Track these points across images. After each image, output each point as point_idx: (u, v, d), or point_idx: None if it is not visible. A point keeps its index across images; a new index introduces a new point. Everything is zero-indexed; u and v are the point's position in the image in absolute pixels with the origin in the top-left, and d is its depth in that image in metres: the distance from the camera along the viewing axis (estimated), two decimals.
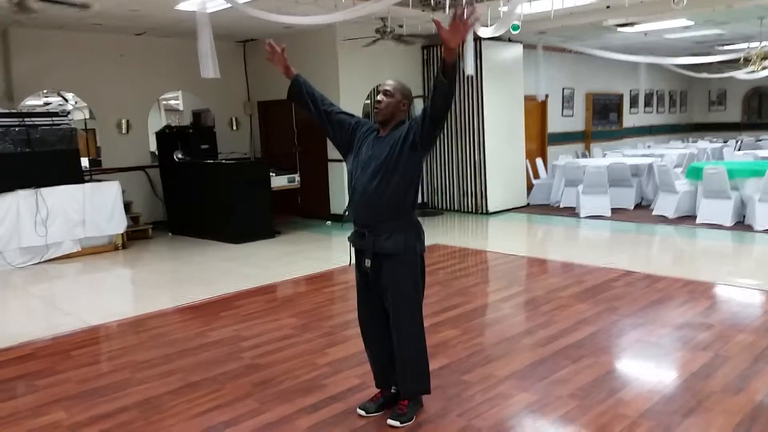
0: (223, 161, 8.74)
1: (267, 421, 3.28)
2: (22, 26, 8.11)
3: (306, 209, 10.13)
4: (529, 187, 10.96)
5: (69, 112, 7.93)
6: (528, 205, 10.67)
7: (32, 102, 11.35)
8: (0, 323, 5.40)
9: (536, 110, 12.67)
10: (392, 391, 3.33)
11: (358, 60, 9.36)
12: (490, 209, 10.03)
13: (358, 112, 9.68)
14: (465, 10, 2.60)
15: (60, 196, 7.60)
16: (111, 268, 7.42)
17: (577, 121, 13.89)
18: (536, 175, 11.11)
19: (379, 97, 3.15)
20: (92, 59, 8.98)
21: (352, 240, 3.21)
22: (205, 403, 3.53)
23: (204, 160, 8.86)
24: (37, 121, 7.51)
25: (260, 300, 5.63)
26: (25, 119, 7.39)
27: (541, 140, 13.09)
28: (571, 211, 9.69)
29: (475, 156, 10.06)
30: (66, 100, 8.57)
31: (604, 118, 14.54)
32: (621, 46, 11.77)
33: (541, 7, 7.38)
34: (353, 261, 3.25)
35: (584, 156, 12.60)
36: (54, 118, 7.70)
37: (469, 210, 10.26)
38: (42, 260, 7.48)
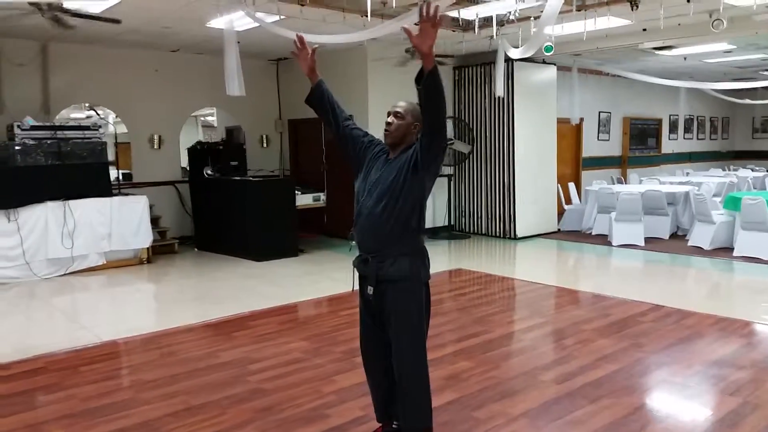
0: (250, 178, 8.76)
1: None
2: (60, 41, 8.31)
3: (332, 228, 10.08)
4: (561, 212, 10.71)
5: (100, 126, 8.06)
6: (558, 231, 10.41)
7: (75, 114, 11.64)
8: (18, 335, 5.44)
9: (571, 133, 12.44)
10: (394, 425, 3.19)
11: (388, 79, 9.31)
12: (519, 234, 9.81)
13: None
14: (430, 11, 2.46)
15: (87, 209, 7.69)
16: (133, 282, 7.46)
17: (613, 146, 13.59)
18: (568, 201, 10.85)
19: (390, 119, 3.05)
20: (127, 74, 9.15)
21: (356, 265, 3.11)
22: (204, 429, 3.44)
23: (231, 177, 8.90)
24: (69, 134, 7.65)
25: (275, 321, 5.55)
26: (57, 132, 7.54)
27: (575, 164, 12.84)
28: (603, 239, 9.40)
29: (505, 179, 9.88)
30: (98, 114, 8.71)
31: (642, 143, 14.19)
32: (660, 70, 11.48)
33: (574, 28, 7.21)
34: (356, 287, 3.14)
35: (619, 182, 12.28)
36: (85, 132, 7.84)
37: (497, 234, 10.06)
38: (67, 272, 7.56)
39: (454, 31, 7.87)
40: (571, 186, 11.03)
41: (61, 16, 5.74)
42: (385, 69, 9.12)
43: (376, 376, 3.18)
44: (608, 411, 3.56)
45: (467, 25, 7.71)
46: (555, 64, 10.19)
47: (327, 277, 7.29)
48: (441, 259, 8.53)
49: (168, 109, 9.64)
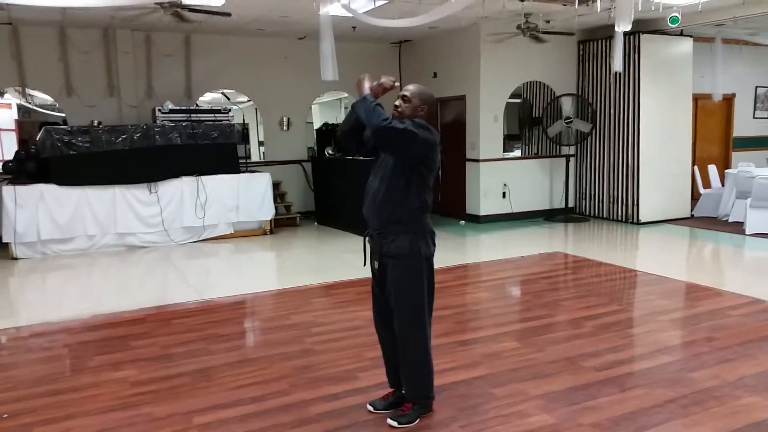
0: (359, 158, 9.15)
1: (287, 402, 3.52)
2: (200, 32, 9.30)
3: (445, 207, 10.22)
4: (697, 197, 9.87)
5: (230, 110, 8.92)
6: (692, 217, 9.62)
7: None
8: (138, 289, 6.36)
9: (719, 111, 11.33)
10: (402, 392, 3.37)
11: (503, 58, 9.20)
12: (642, 219, 9.23)
13: (500, 111, 9.50)
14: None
15: (218, 184, 8.60)
16: (252, 250, 8.23)
17: None
18: (706, 184, 9.95)
19: (398, 102, 3.21)
20: (259, 62, 9.97)
21: (367, 240, 3.32)
22: (247, 378, 3.87)
23: (345, 156, 9.38)
24: (202, 117, 8.59)
25: (353, 291, 5.89)
26: (192, 115, 8.49)
27: (725, 145, 11.67)
28: (739, 227, 8.54)
29: (629, 159, 9.32)
30: (228, 99, 9.62)
31: None
32: None
33: None
34: (368, 262, 3.34)
35: None
36: (216, 115, 8.74)
37: (619, 218, 9.54)
38: (200, 239, 8.55)
39: (564, 5, 7.57)
40: (712, 168, 10.07)
41: (181, 12, 6.50)
42: (501, 47, 9.00)
43: (386, 345, 3.37)
44: (635, 401, 3.42)
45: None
46: (691, 36, 9.34)
47: None
48: (544, 241, 8.33)
49: (296, 93, 10.33)
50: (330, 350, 4.33)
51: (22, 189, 7.44)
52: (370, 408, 3.37)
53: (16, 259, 7.42)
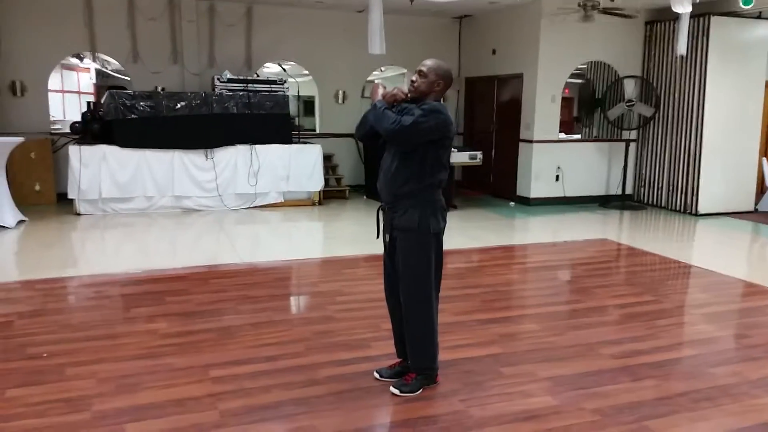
0: None
1: (299, 363, 3.66)
2: (263, 4, 9.48)
3: (496, 188, 10.12)
4: (764, 190, 9.37)
5: (285, 81, 9.09)
6: (755, 211, 9.14)
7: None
8: (185, 250, 6.67)
9: None
10: (407, 363, 3.44)
11: (564, 36, 8.94)
12: (701, 210, 8.85)
13: (559, 90, 9.26)
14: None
15: (270, 154, 8.81)
16: (300, 219, 8.43)
17: None
18: None
19: (414, 77, 3.24)
20: (318, 34, 10.08)
21: (380, 214, 3.39)
22: (267, 338, 4.04)
23: None
24: (258, 87, 8.80)
25: None
26: (248, 85, 8.71)
27: None
28: None
29: (690, 147, 8.92)
30: (284, 70, 9.78)
31: None
32: None
33: None
34: (381, 234, 3.41)
35: None
36: (272, 86, 8.93)
37: (677, 208, 9.18)
38: (251, 206, 8.82)
39: None
40: None
41: None
42: (562, 25, 8.73)
43: (395, 316, 3.45)
44: (643, 391, 3.37)
45: None
46: None
47: (461, 233, 7.46)
48: (594, 228, 8.11)
49: (353, 66, 10.39)
50: (349, 318, 4.44)
51: (86, 149, 7.89)
52: (377, 375, 3.46)
53: (79, 214, 7.91)
